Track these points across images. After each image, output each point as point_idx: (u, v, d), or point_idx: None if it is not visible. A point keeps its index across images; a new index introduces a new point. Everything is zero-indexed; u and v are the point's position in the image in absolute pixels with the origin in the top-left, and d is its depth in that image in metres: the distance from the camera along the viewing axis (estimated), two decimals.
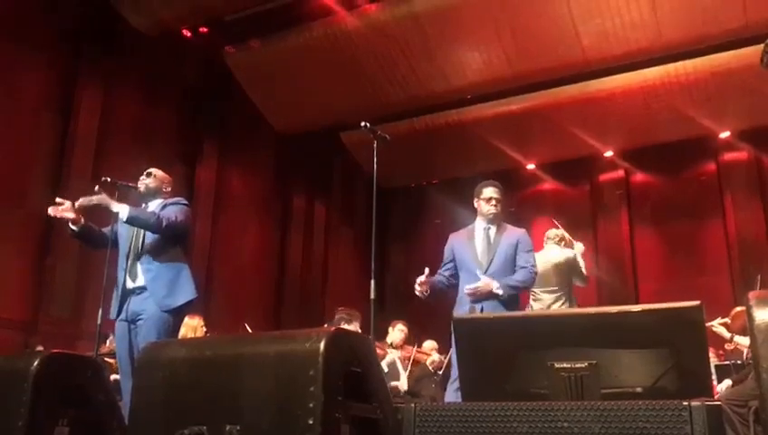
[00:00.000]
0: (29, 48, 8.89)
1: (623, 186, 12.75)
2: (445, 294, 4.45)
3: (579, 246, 6.54)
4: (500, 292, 4.12)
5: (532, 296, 6.28)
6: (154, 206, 4.34)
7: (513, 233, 4.49)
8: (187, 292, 4.15)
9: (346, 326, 5.30)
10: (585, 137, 11.82)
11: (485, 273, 4.26)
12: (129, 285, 4.16)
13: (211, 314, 8.33)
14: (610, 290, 11.59)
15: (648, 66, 10.55)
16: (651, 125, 11.36)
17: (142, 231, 4.21)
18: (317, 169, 13.46)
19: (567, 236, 6.66)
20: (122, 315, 4.14)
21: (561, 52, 10.02)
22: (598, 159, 12.75)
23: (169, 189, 4.51)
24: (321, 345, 2.15)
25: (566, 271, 6.26)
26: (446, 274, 4.51)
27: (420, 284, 4.25)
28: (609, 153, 12.59)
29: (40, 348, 6.88)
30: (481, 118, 11.90)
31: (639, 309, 2.39)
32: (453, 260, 4.50)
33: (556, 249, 6.41)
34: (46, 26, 9.17)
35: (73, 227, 4.19)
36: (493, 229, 4.46)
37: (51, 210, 4.15)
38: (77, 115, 9.31)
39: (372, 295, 4.02)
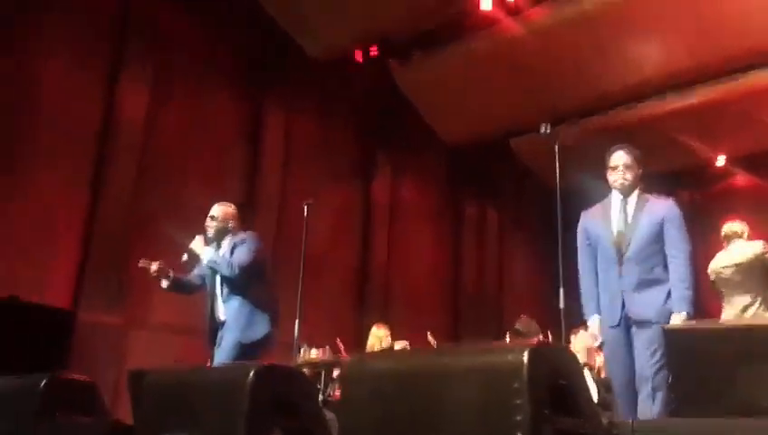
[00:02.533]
0: (218, 78, 9.67)
1: None
2: None
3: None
4: (687, 316, 3.51)
5: (724, 301, 5.75)
6: (225, 245, 4.67)
7: (657, 206, 3.79)
8: (261, 328, 4.51)
9: None
10: None
11: (623, 258, 3.72)
12: (219, 318, 4.62)
13: (391, 323, 8.50)
14: None
15: None
16: None
17: None
18: (487, 176, 13.42)
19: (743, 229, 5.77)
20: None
21: (753, 37, 9.18)
22: None
23: (233, 224, 4.75)
24: (525, 357, 2.13)
25: (757, 268, 5.51)
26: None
27: None
28: None
29: None
30: (660, 113, 11.19)
31: None
32: (590, 244, 3.97)
33: (740, 244, 5.66)
34: (235, 57, 9.93)
35: (164, 285, 4.66)
36: (632, 202, 3.83)
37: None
38: (263, 142, 9.99)
39: (562, 304, 3.89)
